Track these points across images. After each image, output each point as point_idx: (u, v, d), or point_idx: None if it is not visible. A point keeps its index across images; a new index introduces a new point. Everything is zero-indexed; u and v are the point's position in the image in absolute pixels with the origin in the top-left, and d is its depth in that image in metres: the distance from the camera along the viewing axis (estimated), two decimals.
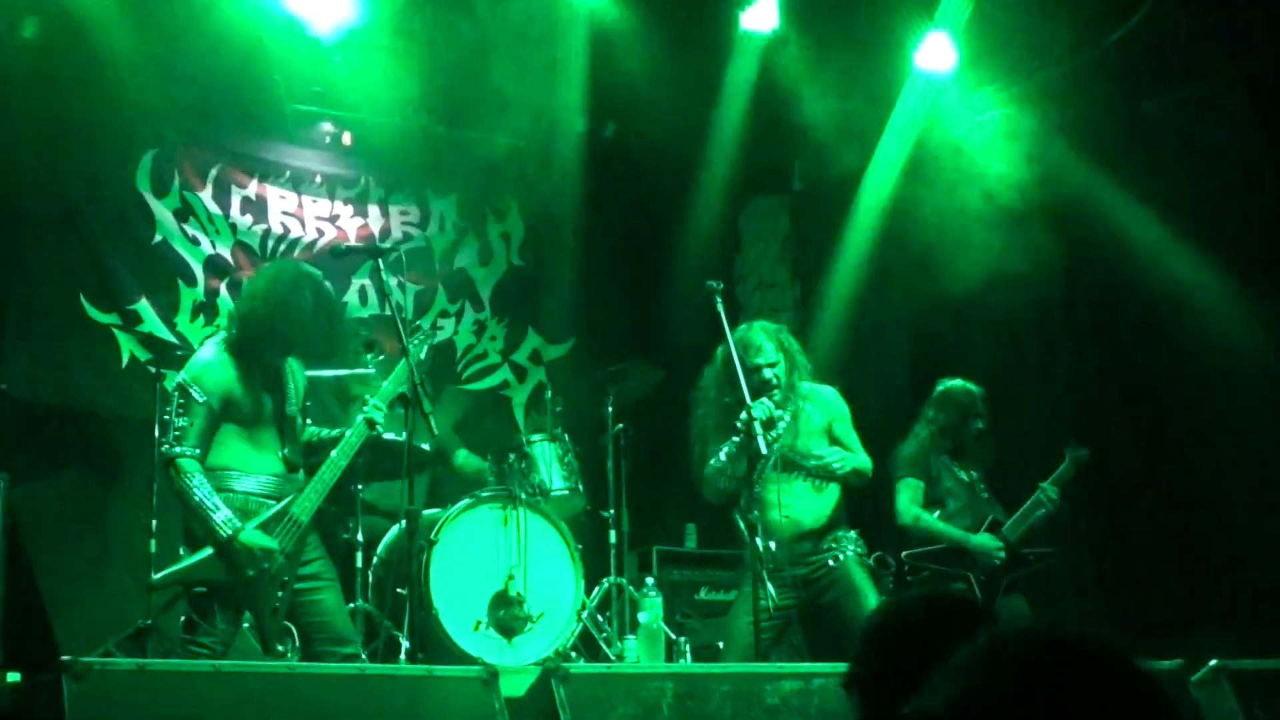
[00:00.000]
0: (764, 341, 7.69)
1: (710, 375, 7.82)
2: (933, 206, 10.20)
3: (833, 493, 7.69)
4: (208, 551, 6.40)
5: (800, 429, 7.67)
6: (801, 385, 7.75)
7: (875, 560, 8.05)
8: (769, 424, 7.44)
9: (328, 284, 7.13)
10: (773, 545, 7.37)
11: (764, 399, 7.49)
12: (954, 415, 8.61)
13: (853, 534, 7.68)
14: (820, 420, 7.74)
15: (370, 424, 6.87)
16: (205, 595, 6.46)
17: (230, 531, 6.37)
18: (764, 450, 7.19)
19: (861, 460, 7.76)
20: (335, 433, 6.97)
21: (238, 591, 6.51)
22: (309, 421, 7.14)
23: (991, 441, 8.71)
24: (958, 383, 8.73)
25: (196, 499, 6.38)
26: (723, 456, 7.53)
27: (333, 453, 6.75)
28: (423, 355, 7.19)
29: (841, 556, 7.55)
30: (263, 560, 6.43)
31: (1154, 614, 8.98)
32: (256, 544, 6.42)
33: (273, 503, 6.57)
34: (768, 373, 7.61)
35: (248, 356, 6.68)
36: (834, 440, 7.75)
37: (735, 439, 7.43)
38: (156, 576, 6.59)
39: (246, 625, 6.85)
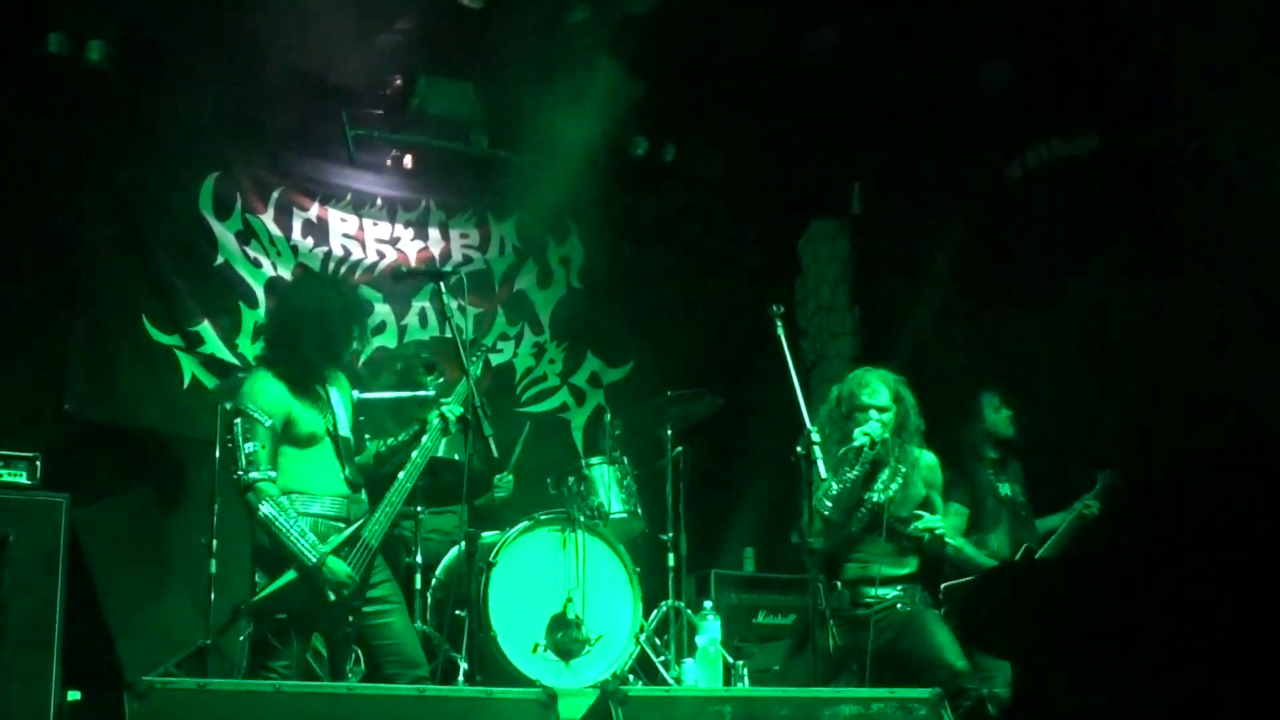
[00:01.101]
0: (879, 384, 7.60)
1: (824, 414, 7.67)
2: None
3: (915, 556, 7.60)
4: (292, 576, 6.38)
5: (906, 495, 7.56)
6: (911, 449, 7.62)
7: (944, 612, 8.00)
8: (873, 451, 7.40)
9: (360, 289, 7.12)
10: (839, 584, 7.33)
11: (873, 422, 7.43)
12: (991, 426, 8.60)
13: (918, 587, 7.58)
14: (921, 490, 7.64)
15: (444, 422, 6.86)
16: (285, 620, 6.45)
17: (316, 558, 6.35)
18: (823, 474, 7.10)
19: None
20: (403, 437, 6.94)
21: (317, 617, 6.51)
22: (368, 436, 7.15)
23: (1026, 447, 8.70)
24: (993, 394, 8.73)
25: (281, 525, 6.36)
26: (835, 486, 7.36)
27: (400, 474, 6.74)
28: (478, 372, 7.15)
29: (909, 602, 7.48)
30: (345, 587, 6.42)
31: None
32: (342, 571, 6.41)
33: (341, 525, 6.55)
34: (875, 415, 7.50)
35: (290, 375, 6.68)
36: (930, 507, 7.64)
37: (852, 470, 7.34)
38: (246, 604, 6.57)
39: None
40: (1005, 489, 8.59)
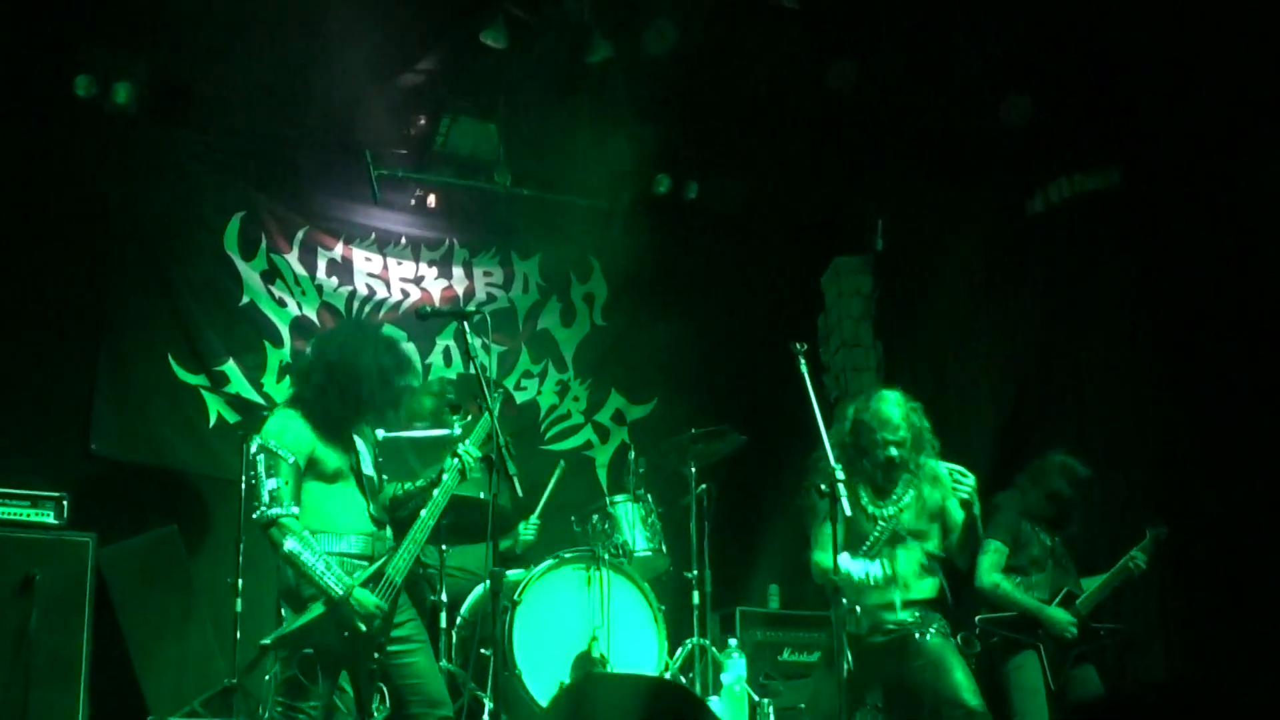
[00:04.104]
0: (894, 416, 7.54)
1: (835, 437, 7.47)
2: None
3: (935, 577, 7.55)
4: (318, 610, 6.36)
5: (917, 508, 7.52)
6: (927, 461, 7.56)
7: (961, 639, 7.98)
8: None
9: (406, 345, 7.12)
10: (858, 610, 7.29)
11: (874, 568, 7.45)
12: (1058, 489, 8.56)
13: (938, 615, 7.50)
14: (935, 499, 7.55)
15: (463, 473, 6.85)
16: (312, 656, 6.44)
17: (344, 590, 6.33)
18: (848, 511, 7.04)
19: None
20: (421, 483, 6.92)
21: (343, 653, 6.49)
22: (386, 478, 7.14)
23: (1083, 517, 8.68)
24: (1065, 458, 8.66)
25: (306, 559, 6.35)
26: (855, 574, 7.33)
27: (422, 512, 6.72)
28: (496, 409, 7.12)
29: (927, 632, 7.42)
30: (373, 619, 6.40)
31: (1243, 685, 8.85)
32: (370, 602, 6.39)
33: (365, 563, 6.54)
34: (894, 450, 7.47)
35: (319, 415, 6.67)
36: (945, 518, 7.59)
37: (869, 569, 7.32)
38: (269, 639, 6.54)
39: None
40: (1047, 539, 8.58)
